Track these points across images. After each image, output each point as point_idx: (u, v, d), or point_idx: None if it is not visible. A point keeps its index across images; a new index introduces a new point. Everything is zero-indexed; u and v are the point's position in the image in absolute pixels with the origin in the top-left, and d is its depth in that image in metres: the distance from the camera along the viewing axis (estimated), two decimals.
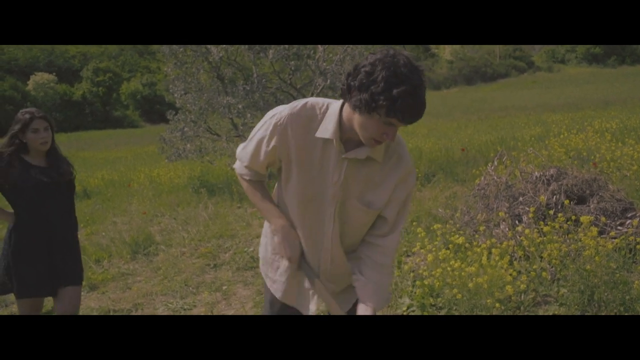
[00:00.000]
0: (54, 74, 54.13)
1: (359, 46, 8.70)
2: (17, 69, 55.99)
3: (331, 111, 1.64)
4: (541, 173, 4.54)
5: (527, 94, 39.92)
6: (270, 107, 9.17)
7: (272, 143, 1.66)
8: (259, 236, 6.03)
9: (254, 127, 1.77)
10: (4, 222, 2.91)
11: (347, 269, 1.79)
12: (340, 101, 1.66)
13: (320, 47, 8.99)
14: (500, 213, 3.83)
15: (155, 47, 9.57)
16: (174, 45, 8.90)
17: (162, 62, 9.86)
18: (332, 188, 1.67)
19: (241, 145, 1.82)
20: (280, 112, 1.65)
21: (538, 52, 70.84)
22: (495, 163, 5.17)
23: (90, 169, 15.79)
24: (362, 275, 1.72)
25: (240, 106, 8.43)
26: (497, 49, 66.66)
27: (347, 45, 8.73)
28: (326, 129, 1.62)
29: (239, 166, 1.84)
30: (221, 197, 8.64)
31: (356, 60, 8.64)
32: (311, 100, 1.67)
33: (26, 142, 2.81)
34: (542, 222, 3.78)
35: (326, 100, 1.69)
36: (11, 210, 2.87)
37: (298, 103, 1.66)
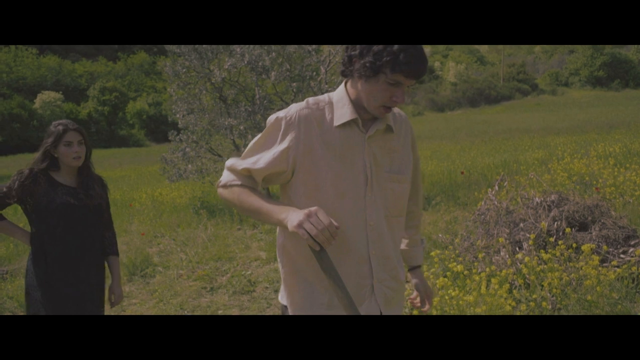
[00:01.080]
0: (61, 92, 54.64)
1: None
2: (25, 88, 56.61)
3: (338, 97, 1.64)
4: (542, 199, 4.48)
5: (531, 117, 39.95)
6: None
7: (284, 144, 1.58)
8: (257, 259, 5.98)
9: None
10: (23, 243, 2.62)
11: (395, 251, 1.75)
12: (339, 88, 1.66)
13: (322, 69, 9.02)
14: (500, 239, 3.77)
15: (160, 67, 9.62)
16: (177, 66, 8.98)
17: (168, 82, 9.92)
18: (363, 172, 1.63)
19: (233, 158, 1.71)
20: (286, 112, 1.59)
21: (542, 75, 71.13)
22: (497, 188, 5.12)
23: None
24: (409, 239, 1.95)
25: (242, 127, 8.44)
26: (501, 71, 67.01)
27: None
28: (343, 113, 1.61)
29: (227, 176, 1.67)
30: (221, 218, 8.59)
31: None
32: (309, 98, 1.66)
33: (57, 156, 2.56)
34: (542, 250, 3.71)
35: (322, 95, 1.68)
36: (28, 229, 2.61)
37: (299, 103, 1.62)
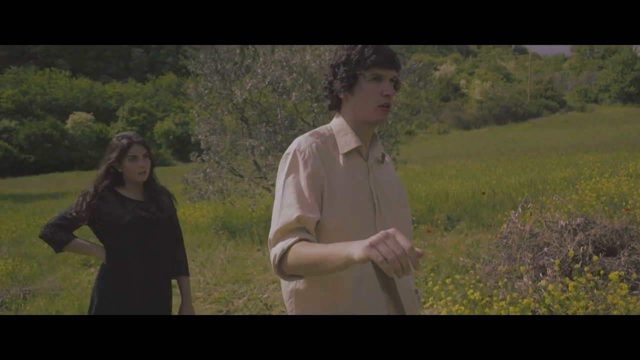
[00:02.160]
0: (92, 113, 56.00)
1: None
2: (58, 109, 58.17)
3: (338, 127, 1.62)
4: (567, 222, 4.31)
5: (559, 134, 39.25)
6: None
7: (313, 174, 1.50)
8: (275, 281, 5.90)
9: (277, 181, 1.56)
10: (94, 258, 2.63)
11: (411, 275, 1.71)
12: (335, 120, 1.65)
13: None
14: (522, 268, 3.62)
15: (184, 88, 9.79)
16: (200, 87, 9.08)
17: (192, 103, 10.08)
18: (371, 200, 1.59)
19: (273, 227, 1.48)
20: (298, 147, 1.54)
21: (570, 92, 70.03)
22: (520, 210, 4.96)
23: None
24: None
25: (263, 148, 8.45)
26: (528, 88, 66.21)
27: None
28: (347, 141, 1.59)
29: (276, 248, 1.44)
30: (241, 239, 8.56)
31: None
32: (311, 131, 1.63)
33: (122, 172, 2.44)
34: (567, 278, 3.55)
35: (320, 127, 1.67)
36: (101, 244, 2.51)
37: (305, 137, 1.59)
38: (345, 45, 1.58)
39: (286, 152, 1.57)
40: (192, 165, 9.86)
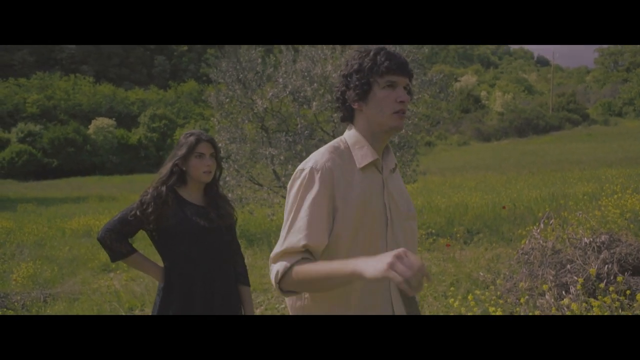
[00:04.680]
0: (114, 119, 56.82)
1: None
2: (81, 114, 59.14)
3: (353, 140, 1.60)
4: (591, 239, 4.23)
5: (581, 148, 38.66)
6: None
7: (327, 194, 1.49)
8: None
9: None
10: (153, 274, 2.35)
11: None
12: (349, 132, 1.63)
13: None
14: (544, 286, 3.55)
15: (206, 96, 9.88)
16: (221, 96, 9.16)
17: (214, 112, 10.17)
18: (384, 214, 1.58)
19: (278, 247, 1.49)
20: (314, 165, 1.51)
21: (593, 105, 69.02)
22: (542, 225, 4.88)
23: None
24: None
25: (282, 157, 8.48)
26: (550, 100, 65.46)
27: None
28: (364, 154, 1.58)
29: (278, 266, 1.47)
30: (259, 247, 8.57)
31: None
32: (326, 145, 1.62)
33: (186, 170, 2.31)
34: (592, 298, 3.47)
35: (334, 141, 1.64)
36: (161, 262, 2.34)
37: (321, 153, 1.56)
38: (357, 54, 1.57)
39: (300, 167, 1.55)
40: None
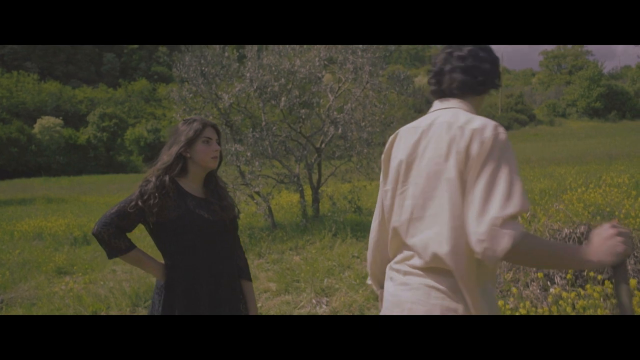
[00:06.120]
0: (61, 118, 54.71)
1: (370, 93, 8.66)
2: (25, 113, 56.63)
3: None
4: (571, 230, 4.28)
5: (529, 147, 40.02)
6: (278, 155, 9.18)
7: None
8: (266, 290, 5.72)
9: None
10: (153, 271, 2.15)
11: None
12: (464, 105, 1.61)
13: (330, 96, 8.93)
14: (540, 275, 3.55)
15: (162, 93, 9.53)
16: (184, 92, 8.88)
17: (168, 109, 9.85)
18: None
19: (497, 208, 1.33)
20: (503, 128, 1.46)
21: (539, 106, 71.70)
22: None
23: (92, 214, 15.53)
24: None
25: (248, 154, 8.28)
26: (499, 101, 67.56)
27: (357, 95, 8.68)
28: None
29: (517, 230, 1.30)
30: None
31: (367, 109, 8.56)
32: (483, 117, 1.54)
33: (190, 157, 2.13)
34: (580, 288, 3.50)
35: (472, 115, 1.55)
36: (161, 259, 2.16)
37: (492, 121, 1.48)
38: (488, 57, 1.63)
39: (486, 124, 1.45)
40: None
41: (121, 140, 56.61)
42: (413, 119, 1.79)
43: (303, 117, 8.29)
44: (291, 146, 8.90)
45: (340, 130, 8.18)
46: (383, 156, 1.74)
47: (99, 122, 55.82)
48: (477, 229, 1.32)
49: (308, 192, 9.87)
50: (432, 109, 1.66)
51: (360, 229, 8.22)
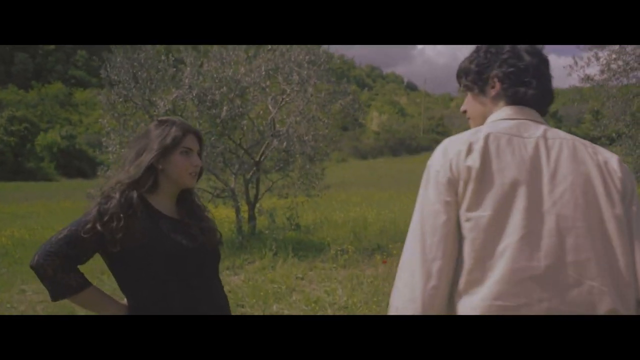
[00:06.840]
0: None
1: (313, 107, 8.41)
2: None
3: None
4: None
5: None
6: (217, 169, 8.63)
7: None
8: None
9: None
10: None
11: None
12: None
13: (272, 108, 8.59)
14: None
15: (79, 98, 8.84)
16: (113, 95, 8.19)
17: (85, 115, 9.11)
18: None
19: None
20: None
21: (457, 128, 75.11)
22: None
23: None
24: None
25: None
26: (421, 123, 70.13)
27: (301, 108, 8.40)
28: None
29: None
30: None
31: (312, 122, 8.29)
32: None
33: (162, 169, 1.67)
34: None
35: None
36: (123, 298, 1.68)
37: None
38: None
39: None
40: (98, 181, 8.84)
41: (31, 146, 53.02)
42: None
43: (244, 128, 7.86)
44: (230, 158, 8.43)
45: (284, 144, 7.81)
46: (456, 167, 1.24)
47: (7, 125, 51.90)
48: None
49: (244, 207, 9.41)
50: (510, 115, 1.34)
51: (302, 248, 7.87)
